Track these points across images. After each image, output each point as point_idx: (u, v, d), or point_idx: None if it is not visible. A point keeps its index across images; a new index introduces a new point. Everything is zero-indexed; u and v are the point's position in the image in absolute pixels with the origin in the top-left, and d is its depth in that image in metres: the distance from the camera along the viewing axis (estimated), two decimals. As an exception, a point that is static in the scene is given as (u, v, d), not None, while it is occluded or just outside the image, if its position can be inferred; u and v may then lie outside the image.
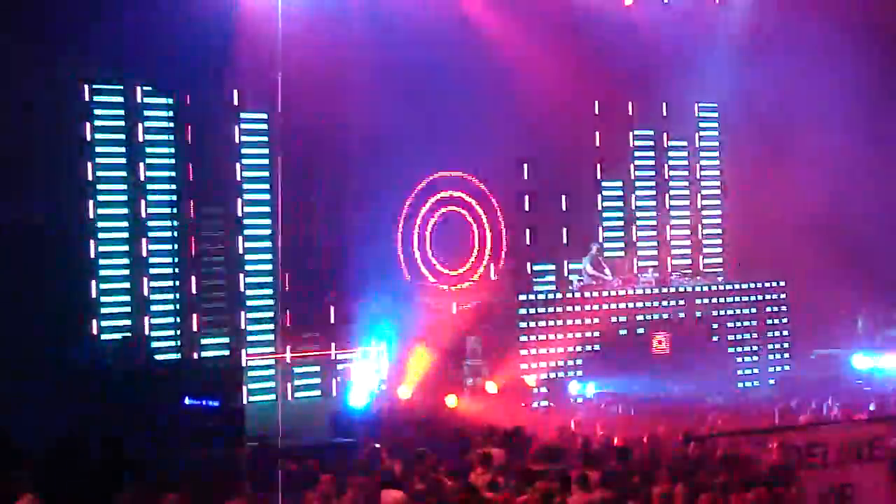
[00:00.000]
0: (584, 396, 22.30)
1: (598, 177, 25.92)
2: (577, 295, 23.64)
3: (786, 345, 25.06)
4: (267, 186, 22.17)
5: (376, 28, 21.80)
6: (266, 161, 22.25)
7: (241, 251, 22.06)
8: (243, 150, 22.23)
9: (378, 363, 21.63)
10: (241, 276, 22.02)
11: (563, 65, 23.54)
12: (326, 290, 22.53)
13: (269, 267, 22.21)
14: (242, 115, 22.18)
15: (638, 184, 26.55)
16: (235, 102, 22.06)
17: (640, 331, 23.39)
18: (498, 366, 22.10)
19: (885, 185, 25.41)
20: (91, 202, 20.86)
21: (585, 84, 24.48)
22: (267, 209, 22.15)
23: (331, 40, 21.52)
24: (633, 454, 14.90)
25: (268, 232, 22.15)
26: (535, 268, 24.84)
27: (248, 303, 22.09)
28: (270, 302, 22.21)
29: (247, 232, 22.17)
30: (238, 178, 22.09)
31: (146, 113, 21.36)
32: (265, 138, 22.29)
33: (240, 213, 22.11)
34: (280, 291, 21.90)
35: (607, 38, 24.13)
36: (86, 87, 20.85)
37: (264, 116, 22.18)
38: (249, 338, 21.99)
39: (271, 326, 22.21)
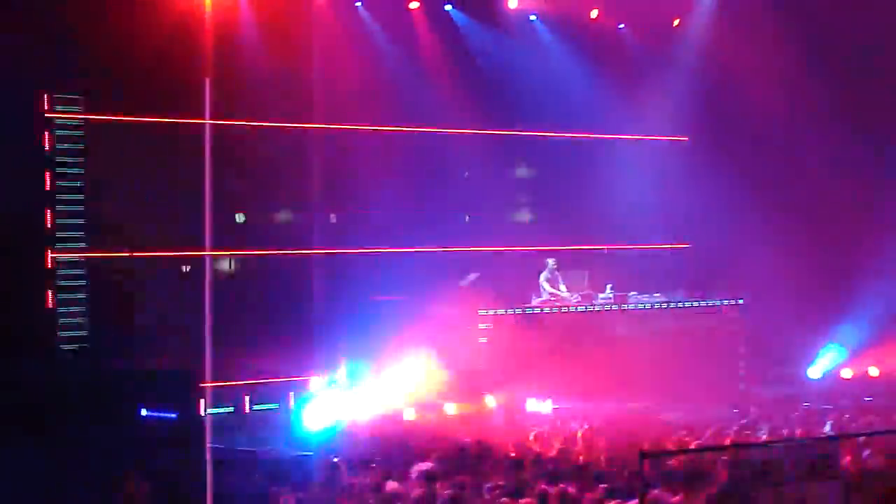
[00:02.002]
0: (541, 413, 22.31)
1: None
2: (536, 311, 23.69)
3: (742, 362, 25.19)
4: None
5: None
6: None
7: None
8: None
9: (337, 377, 21.53)
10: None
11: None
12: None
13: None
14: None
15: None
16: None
17: (599, 347, 23.45)
18: (458, 383, 22.10)
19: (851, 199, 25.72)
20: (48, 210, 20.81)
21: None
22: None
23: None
24: (588, 470, 14.92)
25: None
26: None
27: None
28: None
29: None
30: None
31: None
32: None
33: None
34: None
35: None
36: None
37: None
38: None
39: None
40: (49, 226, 20.90)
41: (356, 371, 21.63)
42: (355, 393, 21.42)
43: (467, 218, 25.68)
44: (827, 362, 25.31)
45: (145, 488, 13.55)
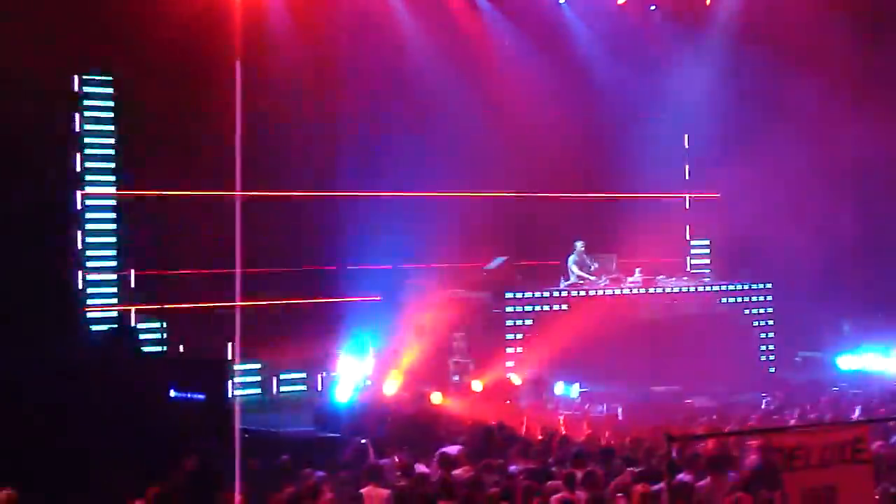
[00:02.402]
0: (569, 397, 22.29)
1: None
2: (564, 294, 23.68)
3: (771, 346, 25.13)
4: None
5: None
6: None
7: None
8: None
9: (363, 358, 21.58)
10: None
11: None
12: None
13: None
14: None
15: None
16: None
17: (627, 331, 23.40)
18: (484, 364, 22.12)
19: (869, 186, 25.56)
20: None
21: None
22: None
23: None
24: (617, 454, 14.91)
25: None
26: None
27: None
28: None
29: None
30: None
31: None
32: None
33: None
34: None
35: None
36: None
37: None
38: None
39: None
40: (78, 207, 21.02)
41: (379, 350, 21.70)
42: (381, 371, 21.47)
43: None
44: (861, 360, 25.10)
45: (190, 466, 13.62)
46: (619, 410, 20.21)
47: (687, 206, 27.81)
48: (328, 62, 23.07)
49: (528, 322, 23.04)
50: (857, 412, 18.08)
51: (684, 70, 26.44)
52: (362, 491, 13.02)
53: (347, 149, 23.14)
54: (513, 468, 13.98)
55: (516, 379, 22.33)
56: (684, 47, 26.81)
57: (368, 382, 21.38)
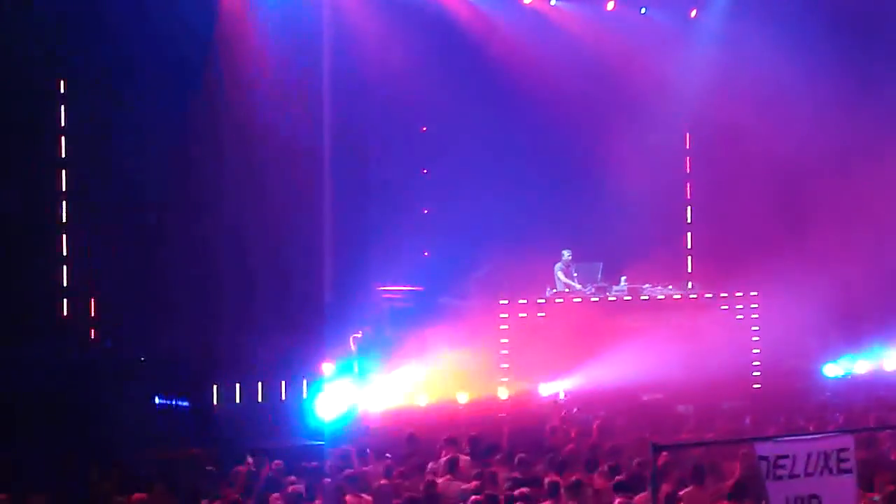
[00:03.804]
0: (553, 401, 22.27)
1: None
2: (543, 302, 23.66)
3: (756, 351, 25.09)
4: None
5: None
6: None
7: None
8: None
9: (354, 381, 21.38)
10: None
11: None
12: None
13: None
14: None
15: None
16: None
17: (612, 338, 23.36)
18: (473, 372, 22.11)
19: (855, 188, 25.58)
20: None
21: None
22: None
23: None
24: (601, 461, 14.90)
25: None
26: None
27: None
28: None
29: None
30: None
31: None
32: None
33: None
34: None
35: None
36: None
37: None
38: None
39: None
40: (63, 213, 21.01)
41: (368, 361, 21.58)
42: (368, 382, 21.38)
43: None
44: (850, 365, 25.15)
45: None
46: (603, 418, 20.15)
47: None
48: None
49: (510, 330, 22.98)
50: (841, 421, 18.10)
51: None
52: (346, 498, 13.02)
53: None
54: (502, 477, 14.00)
55: (503, 392, 22.30)
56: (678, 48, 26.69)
57: (354, 389, 21.22)
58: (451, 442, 15.85)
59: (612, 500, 12.84)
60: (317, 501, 13.12)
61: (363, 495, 13.20)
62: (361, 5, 23.54)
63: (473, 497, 12.76)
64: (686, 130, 28.26)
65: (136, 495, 12.94)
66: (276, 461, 14.86)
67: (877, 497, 12.52)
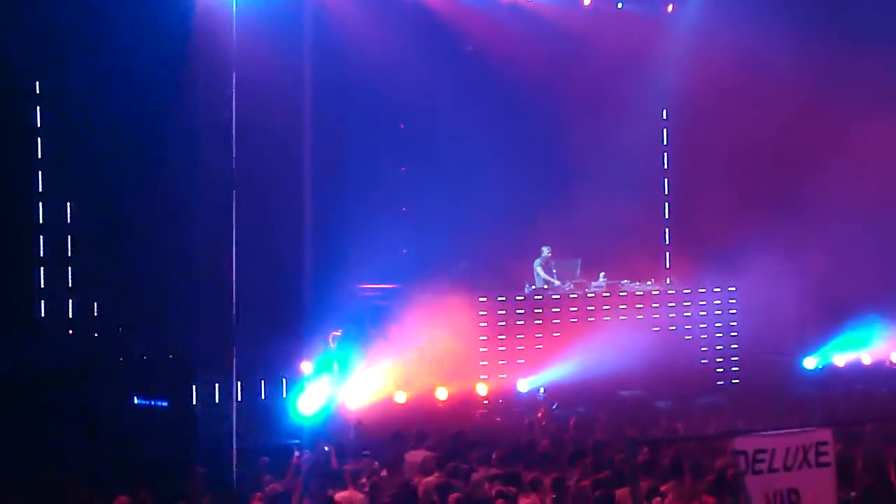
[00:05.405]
0: (532, 397, 22.28)
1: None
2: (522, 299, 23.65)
3: (734, 346, 25.14)
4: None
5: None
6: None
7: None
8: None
9: (333, 378, 21.35)
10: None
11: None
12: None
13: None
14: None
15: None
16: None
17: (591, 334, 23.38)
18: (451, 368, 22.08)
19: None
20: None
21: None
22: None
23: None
24: (580, 457, 14.91)
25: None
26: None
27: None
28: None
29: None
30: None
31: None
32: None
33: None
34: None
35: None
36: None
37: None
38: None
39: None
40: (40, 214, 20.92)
41: (348, 359, 21.55)
42: (348, 380, 21.36)
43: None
44: (829, 357, 25.25)
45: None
46: (581, 414, 20.17)
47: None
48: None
49: (501, 324, 22.98)
50: (819, 414, 18.16)
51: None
52: (336, 497, 13.01)
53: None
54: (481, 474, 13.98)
55: (482, 388, 22.30)
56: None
57: (333, 386, 21.19)
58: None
59: (591, 495, 12.85)
60: (304, 500, 13.12)
61: (355, 492, 13.18)
62: (339, 3, 23.47)
63: (453, 495, 12.75)
64: (663, 126, 28.36)
65: (121, 498, 12.88)
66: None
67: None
